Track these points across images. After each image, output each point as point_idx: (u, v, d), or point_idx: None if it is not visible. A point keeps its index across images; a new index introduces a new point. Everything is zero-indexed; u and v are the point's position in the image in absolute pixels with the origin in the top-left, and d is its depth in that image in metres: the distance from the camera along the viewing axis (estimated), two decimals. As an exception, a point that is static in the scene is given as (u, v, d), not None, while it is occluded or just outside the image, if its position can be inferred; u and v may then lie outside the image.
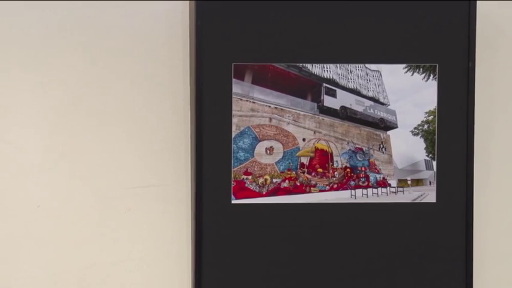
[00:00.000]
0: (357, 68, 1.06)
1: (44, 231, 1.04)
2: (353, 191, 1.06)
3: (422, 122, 1.06)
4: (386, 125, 1.07)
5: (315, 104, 1.05)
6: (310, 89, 1.05)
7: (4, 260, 1.04)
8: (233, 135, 1.04)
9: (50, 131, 1.04)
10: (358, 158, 1.06)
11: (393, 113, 1.06)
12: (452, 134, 1.06)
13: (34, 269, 1.04)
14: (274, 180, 1.05)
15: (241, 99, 1.04)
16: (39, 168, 1.04)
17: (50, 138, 1.04)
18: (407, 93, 1.06)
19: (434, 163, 1.06)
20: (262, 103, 1.05)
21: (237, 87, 1.04)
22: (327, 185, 1.06)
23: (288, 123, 1.05)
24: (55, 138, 1.04)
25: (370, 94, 1.06)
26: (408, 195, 1.07)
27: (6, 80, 1.03)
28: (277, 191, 1.05)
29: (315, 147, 1.06)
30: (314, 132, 1.06)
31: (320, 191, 1.06)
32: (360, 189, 1.06)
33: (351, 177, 1.06)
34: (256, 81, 1.04)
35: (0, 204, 1.03)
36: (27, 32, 1.03)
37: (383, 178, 1.07)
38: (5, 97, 1.03)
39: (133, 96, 1.05)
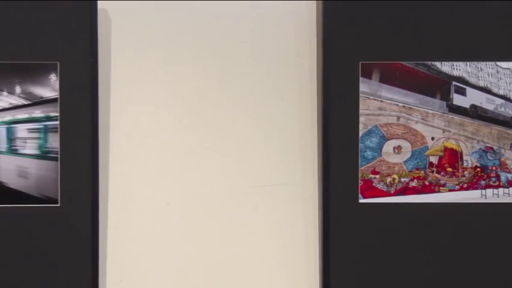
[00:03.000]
0: (487, 66, 1.04)
1: (173, 229, 1.06)
2: (483, 191, 1.04)
3: (555, 120, 1.04)
4: (517, 124, 1.05)
5: (444, 102, 1.04)
6: (439, 88, 1.04)
7: (135, 258, 1.05)
8: (360, 134, 1.04)
9: (179, 130, 1.05)
10: (488, 157, 1.04)
11: (524, 111, 1.05)
12: None
13: (163, 266, 1.06)
14: (402, 180, 1.04)
15: (368, 97, 1.03)
16: (168, 166, 1.05)
17: (179, 137, 1.05)
18: (539, 91, 1.04)
19: None
20: (390, 102, 1.04)
21: (364, 86, 1.03)
22: (456, 184, 1.04)
23: (417, 122, 1.04)
24: (184, 137, 1.05)
25: (501, 92, 1.04)
26: (540, 196, 1.04)
27: (136, 81, 1.05)
28: (405, 190, 1.04)
29: (444, 146, 1.04)
30: (443, 131, 1.04)
31: (450, 190, 1.04)
32: (491, 189, 1.04)
33: (481, 177, 1.04)
34: (383, 80, 1.03)
35: (131, 203, 1.05)
36: (158, 31, 1.05)
37: (515, 178, 1.05)
38: (136, 97, 1.05)
39: (260, 95, 1.06)
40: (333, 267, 1.03)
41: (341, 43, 1.03)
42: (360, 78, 1.03)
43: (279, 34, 1.06)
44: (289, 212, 1.06)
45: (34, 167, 1.02)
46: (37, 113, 1.02)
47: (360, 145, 1.03)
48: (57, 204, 1.02)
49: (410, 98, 1.04)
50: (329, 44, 1.03)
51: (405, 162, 1.04)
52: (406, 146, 1.04)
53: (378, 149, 1.04)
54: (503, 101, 1.05)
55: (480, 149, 1.04)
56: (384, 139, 1.04)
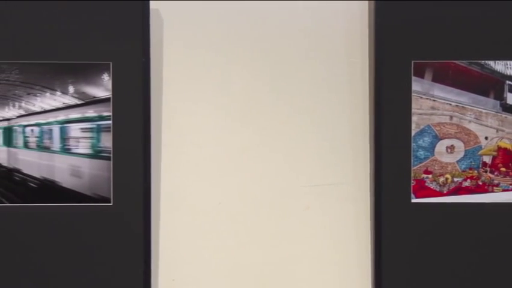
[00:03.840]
0: (542, 65, 1.03)
1: (225, 228, 1.06)
2: (537, 191, 1.04)
3: None
4: None
5: (498, 101, 1.03)
6: (493, 87, 1.03)
7: (187, 257, 1.06)
8: (413, 134, 1.03)
9: (231, 129, 1.06)
10: (543, 157, 1.04)
11: None
12: None
13: (215, 265, 1.06)
14: (455, 180, 1.03)
15: (421, 97, 1.03)
16: (220, 165, 1.06)
17: (231, 136, 1.06)
18: None
19: None
20: (442, 101, 1.03)
21: (416, 85, 1.03)
22: (510, 184, 1.03)
23: (470, 122, 1.04)
24: (236, 136, 1.06)
25: (556, 91, 1.04)
26: None
27: (188, 80, 1.06)
28: (458, 190, 1.03)
29: (498, 145, 1.04)
30: (497, 131, 1.04)
31: (503, 190, 1.03)
32: (546, 189, 1.04)
33: (535, 177, 1.04)
34: (436, 79, 1.03)
35: (183, 202, 1.05)
36: (210, 31, 1.06)
37: None
38: (188, 96, 1.06)
39: (312, 95, 1.06)
40: (385, 267, 1.03)
41: (393, 42, 1.02)
42: (413, 78, 1.03)
43: (331, 34, 1.06)
44: (341, 212, 1.06)
45: (87, 166, 1.03)
46: (90, 112, 1.03)
47: (413, 144, 1.03)
48: (109, 203, 1.02)
49: (463, 97, 1.03)
50: (381, 43, 1.02)
51: (458, 161, 1.04)
52: (459, 146, 1.04)
53: (431, 149, 1.03)
54: (557, 100, 1.04)
55: (534, 148, 1.04)
56: (437, 139, 1.04)
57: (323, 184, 1.06)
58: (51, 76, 1.03)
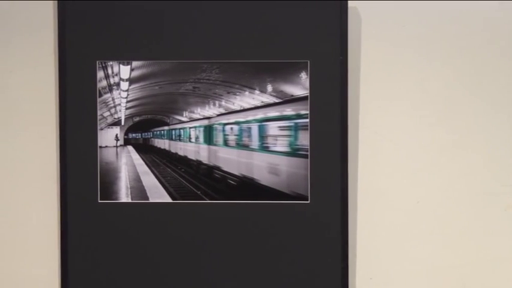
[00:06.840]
0: None
1: (423, 227, 1.05)
2: None
3: None
4: None
5: None
6: None
7: (384, 255, 1.06)
8: None
9: (429, 127, 1.05)
10: None
11: None
12: None
13: (413, 265, 1.05)
14: None
15: None
16: (417, 164, 1.05)
17: (428, 134, 1.05)
18: None
19: None
20: None
21: None
22: None
23: None
24: (434, 134, 1.05)
25: None
26: None
27: (385, 78, 1.05)
28: None
29: None
30: None
31: None
32: None
33: None
34: None
35: (380, 200, 1.05)
36: (408, 30, 1.05)
37: None
38: (385, 94, 1.05)
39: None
40: None
41: None
42: None
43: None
44: (544, 212, 1.04)
45: (285, 164, 1.04)
46: (288, 111, 1.04)
47: None
48: (307, 201, 1.03)
49: None
50: None
51: None
52: None
53: None
54: None
55: None
56: None
57: (524, 183, 1.04)
58: (250, 75, 1.04)
